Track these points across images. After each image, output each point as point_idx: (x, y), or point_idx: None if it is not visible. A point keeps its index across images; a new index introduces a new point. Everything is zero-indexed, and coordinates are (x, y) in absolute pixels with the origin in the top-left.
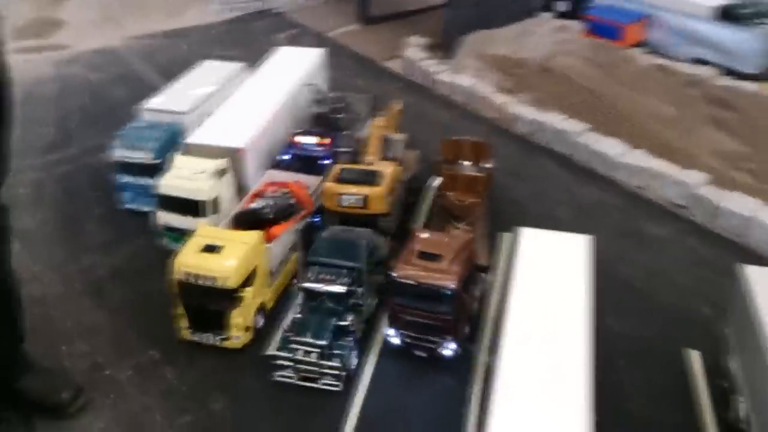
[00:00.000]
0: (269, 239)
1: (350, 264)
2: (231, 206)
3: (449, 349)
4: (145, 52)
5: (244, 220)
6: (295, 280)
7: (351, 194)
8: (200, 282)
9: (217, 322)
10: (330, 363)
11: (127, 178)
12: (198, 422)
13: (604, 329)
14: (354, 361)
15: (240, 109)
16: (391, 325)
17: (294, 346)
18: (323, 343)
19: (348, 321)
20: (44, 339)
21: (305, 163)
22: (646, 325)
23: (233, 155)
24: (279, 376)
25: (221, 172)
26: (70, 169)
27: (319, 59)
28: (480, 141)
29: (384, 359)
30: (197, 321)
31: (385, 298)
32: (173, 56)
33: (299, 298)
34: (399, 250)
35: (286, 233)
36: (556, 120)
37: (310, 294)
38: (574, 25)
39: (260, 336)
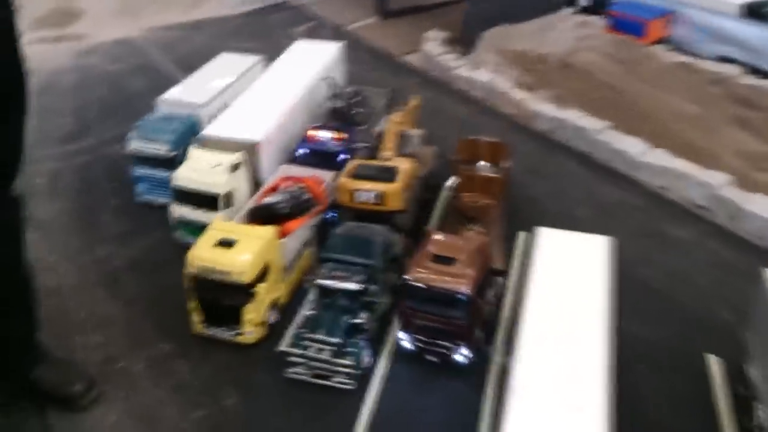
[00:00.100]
0: (284, 234)
1: (365, 261)
2: (246, 200)
3: (462, 355)
4: (163, 43)
5: (259, 215)
6: (308, 276)
7: (367, 190)
8: (214, 276)
9: (231, 317)
10: (343, 361)
11: (143, 170)
12: (210, 417)
13: (622, 332)
14: (367, 360)
15: (257, 102)
16: (403, 329)
17: (307, 343)
18: (336, 340)
19: (362, 319)
20: (58, 329)
21: (321, 157)
22: (665, 329)
23: (249, 149)
24: (291, 372)
25: (237, 166)
26: (87, 160)
27: (337, 53)
28: (497, 141)
29: (399, 359)
30: (211, 315)
31: (398, 301)
32: (191, 48)
33: (312, 295)
34: (414, 248)
35: (301, 229)
36: (576, 117)
37: (324, 291)
38: (597, 20)
39: (274, 332)
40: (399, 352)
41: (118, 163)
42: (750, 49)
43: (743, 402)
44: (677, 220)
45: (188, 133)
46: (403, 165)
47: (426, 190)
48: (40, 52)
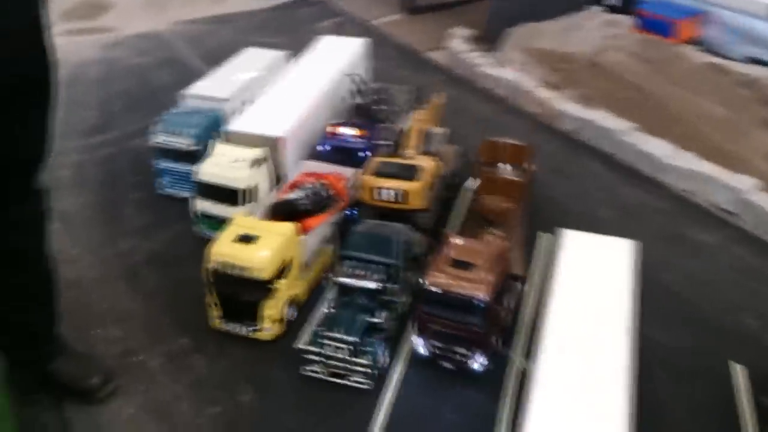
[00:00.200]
0: (305, 231)
1: (385, 260)
2: (268, 196)
3: (478, 362)
4: (189, 37)
5: (281, 211)
6: (328, 274)
7: (389, 188)
8: (234, 272)
9: (249, 313)
10: (360, 360)
11: (166, 164)
12: (226, 413)
13: (644, 338)
14: (385, 360)
15: (281, 97)
16: (419, 333)
17: (324, 341)
18: (354, 339)
19: (380, 318)
20: (78, 322)
21: (344, 154)
22: (688, 336)
23: (272, 144)
24: (308, 370)
25: (259, 161)
26: (112, 152)
27: (362, 49)
28: (521, 144)
29: (415, 362)
30: (229, 311)
31: (415, 306)
32: (217, 42)
33: (331, 292)
34: (435, 247)
35: (322, 225)
36: (601, 117)
37: (343, 289)
38: (625, 19)
39: (292, 328)
40: (415, 356)
41: (142, 156)
42: None
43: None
44: (702, 224)
45: (212, 128)
46: (426, 163)
47: (448, 189)
48: (67, 44)
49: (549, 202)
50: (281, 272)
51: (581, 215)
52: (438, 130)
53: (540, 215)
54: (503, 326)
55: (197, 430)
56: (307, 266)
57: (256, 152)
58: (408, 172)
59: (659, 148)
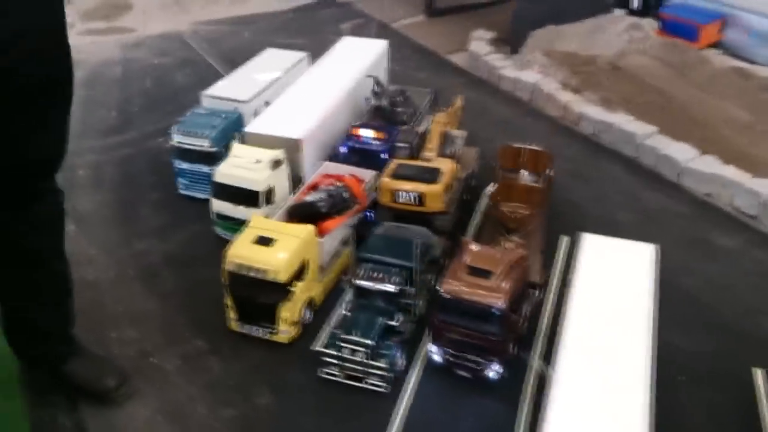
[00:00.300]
0: (322, 233)
1: (403, 263)
2: (287, 197)
3: (494, 371)
4: (210, 38)
5: (298, 213)
6: (345, 276)
7: (407, 191)
8: (251, 274)
9: (266, 315)
10: (377, 363)
11: (184, 165)
12: (242, 415)
13: (663, 343)
14: (401, 363)
15: (300, 99)
16: (434, 341)
17: (341, 344)
18: (370, 342)
19: (397, 321)
20: (94, 323)
21: (362, 156)
22: (708, 340)
23: (291, 146)
24: (325, 373)
25: (278, 163)
26: (129, 153)
27: (382, 51)
28: (541, 149)
29: (433, 366)
30: (246, 313)
31: (431, 313)
32: (237, 43)
33: (349, 295)
34: (454, 250)
35: (340, 228)
36: (623, 121)
37: (361, 291)
38: (648, 23)
39: (308, 331)
40: (431, 362)
41: (160, 157)
42: None
43: None
44: (722, 228)
45: (231, 129)
46: (445, 166)
47: (467, 191)
48: (87, 44)
49: (568, 205)
50: (298, 275)
51: (601, 219)
52: (457, 132)
53: (560, 218)
54: (520, 334)
55: None
56: (325, 268)
57: (274, 154)
58: (427, 175)
59: (680, 152)
